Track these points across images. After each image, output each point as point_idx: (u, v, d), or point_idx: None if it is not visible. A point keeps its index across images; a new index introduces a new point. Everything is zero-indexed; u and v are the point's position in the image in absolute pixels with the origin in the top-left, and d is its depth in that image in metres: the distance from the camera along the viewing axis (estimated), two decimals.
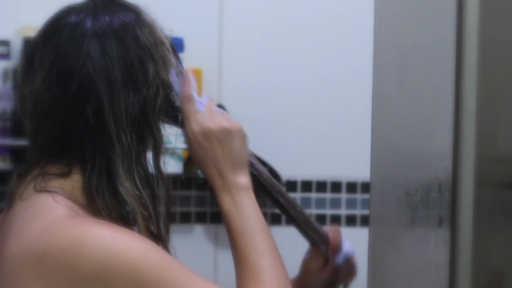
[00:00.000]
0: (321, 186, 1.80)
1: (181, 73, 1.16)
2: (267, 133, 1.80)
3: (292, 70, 1.80)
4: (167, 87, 1.12)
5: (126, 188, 1.06)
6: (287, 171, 1.79)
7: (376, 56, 1.19)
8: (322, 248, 1.27)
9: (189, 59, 1.73)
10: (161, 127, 1.12)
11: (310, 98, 1.81)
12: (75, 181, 1.07)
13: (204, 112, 1.16)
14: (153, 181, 1.10)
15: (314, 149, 1.81)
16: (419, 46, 1.00)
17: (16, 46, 1.63)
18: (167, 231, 1.14)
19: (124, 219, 1.09)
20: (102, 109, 1.05)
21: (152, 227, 1.11)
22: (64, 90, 1.06)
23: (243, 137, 1.19)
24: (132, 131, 1.07)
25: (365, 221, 1.83)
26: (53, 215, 1.01)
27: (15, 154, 1.65)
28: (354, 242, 1.75)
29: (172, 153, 1.72)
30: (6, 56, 1.63)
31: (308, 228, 1.24)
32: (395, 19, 1.10)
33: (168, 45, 1.14)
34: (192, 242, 1.75)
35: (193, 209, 1.79)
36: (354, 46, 1.81)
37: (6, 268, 1.00)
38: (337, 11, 1.81)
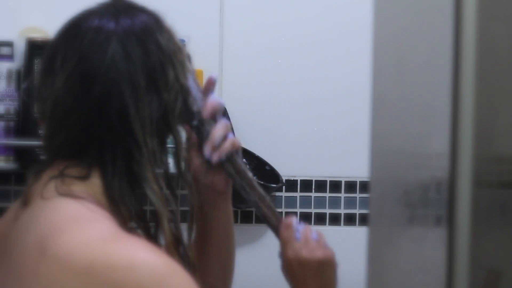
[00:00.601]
0: (320, 185, 1.81)
1: (196, 81, 1.19)
2: (267, 133, 1.81)
3: (292, 71, 1.81)
4: (186, 92, 1.15)
5: (154, 190, 1.09)
6: (287, 171, 1.80)
7: (374, 57, 1.20)
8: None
9: None
10: (179, 131, 1.15)
11: (309, 98, 1.82)
12: (95, 185, 1.08)
13: (300, 240, 1.24)
14: (175, 183, 1.13)
15: (313, 149, 1.82)
16: (417, 47, 1.01)
17: (20, 48, 1.64)
18: (191, 231, 1.19)
19: (145, 221, 1.11)
20: (128, 113, 1.07)
21: (177, 233, 1.13)
22: (86, 93, 1.07)
23: (334, 267, 1.26)
24: (155, 134, 1.09)
25: (364, 220, 1.84)
26: (98, 227, 1.03)
27: (19, 154, 1.65)
28: (353, 241, 1.76)
29: (173, 152, 1.72)
30: (9, 57, 1.64)
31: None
32: (393, 21, 1.11)
33: (185, 51, 1.17)
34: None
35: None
36: (353, 47, 1.81)
37: (46, 268, 1.01)
38: (336, 13, 1.82)
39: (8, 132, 1.69)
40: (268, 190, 1.80)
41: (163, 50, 1.12)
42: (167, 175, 1.13)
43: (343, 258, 1.61)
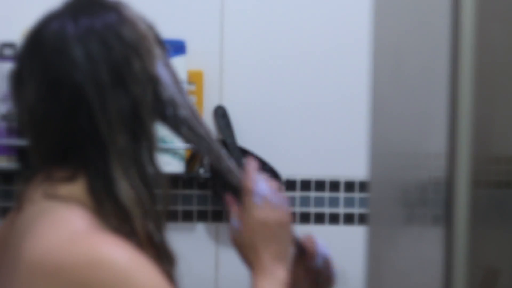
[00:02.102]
0: (319, 185, 1.80)
1: (169, 64, 1.16)
2: (267, 133, 1.81)
3: (292, 71, 1.81)
4: (155, 81, 1.11)
5: (121, 189, 1.06)
6: (286, 170, 1.80)
7: (373, 58, 1.20)
8: (297, 253, 1.31)
9: (190, 60, 1.73)
10: (155, 124, 1.12)
11: (309, 98, 1.82)
12: (80, 186, 1.07)
13: (262, 204, 1.24)
14: (152, 180, 1.10)
15: (313, 149, 1.82)
16: (415, 48, 1.02)
17: None
18: (162, 230, 1.14)
19: (122, 223, 1.10)
20: (94, 114, 1.05)
21: (150, 229, 1.10)
22: (56, 100, 1.06)
23: (290, 230, 1.26)
24: (127, 131, 1.07)
25: (362, 219, 1.84)
26: (70, 228, 1.02)
27: (21, 154, 1.65)
28: (352, 240, 1.76)
29: (174, 153, 1.73)
30: (11, 58, 1.63)
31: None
32: (392, 21, 1.11)
33: (151, 37, 1.13)
34: (193, 240, 1.76)
35: (194, 207, 1.79)
36: (352, 48, 1.82)
37: (21, 273, 1.01)
38: (336, 13, 1.82)
39: (11, 132, 1.69)
40: None
41: (126, 43, 1.08)
42: (144, 172, 1.10)
43: (342, 257, 1.61)
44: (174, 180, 1.81)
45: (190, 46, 1.75)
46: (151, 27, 1.15)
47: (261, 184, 1.28)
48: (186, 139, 1.22)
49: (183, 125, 1.19)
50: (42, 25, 1.10)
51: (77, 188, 1.08)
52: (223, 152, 1.28)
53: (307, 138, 1.85)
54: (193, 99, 1.79)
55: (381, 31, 1.18)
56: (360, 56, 1.73)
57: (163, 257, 1.11)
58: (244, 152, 1.82)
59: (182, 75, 1.75)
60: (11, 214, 1.16)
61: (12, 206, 1.16)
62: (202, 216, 1.79)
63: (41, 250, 1.01)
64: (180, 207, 1.81)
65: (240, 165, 1.55)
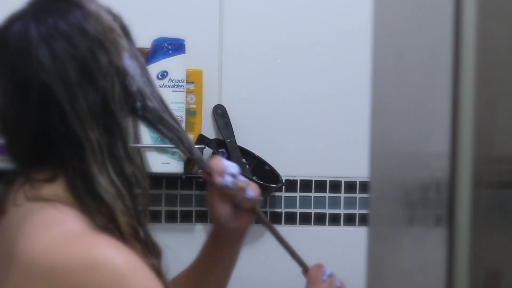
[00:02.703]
0: (320, 185, 1.81)
1: (136, 55, 1.15)
2: (267, 133, 1.81)
3: (292, 71, 1.81)
4: (122, 73, 1.11)
5: (101, 185, 1.06)
6: (287, 171, 1.80)
7: (374, 57, 1.20)
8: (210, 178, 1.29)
9: (189, 59, 1.73)
10: (125, 116, 1.11)
11: (309, 98, 1.82)
12: (62, 185, 1.07)
13: (326, 282, 1.34)
14: (129, 174, 1.10)
15: (313, 149, 1.82)
16: (416, 47, 1.01)
17: None
18: (144, 223, 1.14)
19: (106, 219, 1.09)
20: (65, 113, 1.05)
21: (133, 223, 1.10)
22: (26, 102, 1.06)
23: None
24: (99, 126, 1.07)
25: (363, 220, 1.84)
26: (63, 229, 1.02)
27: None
28: (353, 241, 1.76)
29: (173, 152, 1.72)
30: None
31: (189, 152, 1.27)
32: (393, 21, 1.11)
33: (118, 29, 1.12)
34: (193, 240, 1.76)
35: (193, 208, 1.79)
36: (353, 47, 1.81)
37: (15, 275, 1.01)
38: (336, 13, 1.82)
39: None
40: (268, 190, 1.79)
41: (90, 37, 1.09)
42: (121, 167, 1.10)
43: (343, 258, 1.61)
44: (173, 180, 1.81)
45: (189, 45, 1.75)
46: (117, 18, 1.14)
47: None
48: (157, 131, 1.20)
49: (152, 116, 1.18)
50: (5, 27, 1.10)
51: (58, 188, 1.07)
52: (193, 143, 1.28)
53: (307, 138, 1.85)
54: (192, 98, 1.78)
55: (382, 30, 1.17)
56: (360, 56, 1.73)
57: (150, 251, 1.11)
58: (244, 152, 1.82)
59: (181, 74, 1.75)
60: None
61: None
62: (201, 217, 1.79)
63: (34, 250, 1.01)
64: (179, 208, 1.81)
65: (241, 164, 1.55)
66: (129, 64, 1.13)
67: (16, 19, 1.10)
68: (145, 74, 1.17)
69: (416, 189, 1.02)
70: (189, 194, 1.82)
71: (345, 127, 1.86)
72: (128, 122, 1.13)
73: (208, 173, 1.30)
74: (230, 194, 1.31)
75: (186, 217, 1.82)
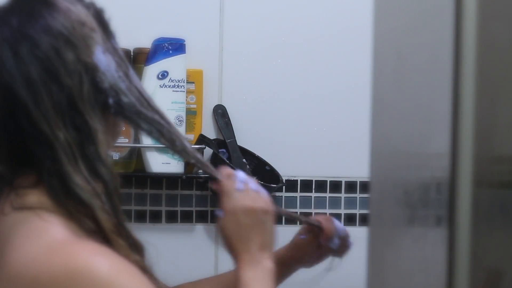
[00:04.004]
0: (320, 185, 1.80)
1: (113, 49, 1.12)
2: (267, 133, 1.81)
3: (292, 71, 1.81)
4: (91, 69, 1.08)
5: (77, 183, 1.04)
6: (287, 171, 1.80)
7: (374, 57, 1.20)
8: (314, 233, 1.31)
9: (190, 59, 1.73)
10: (95, 114, 1.08)
11: (309, 98, 1.82)
12: (43, 191, 1.06)
13: (243, 190, 1.20)
14: (103, 171, 1.08)
15: (314, 149, 1.82)
16: (417, 47, 1.01)
17: None
18: (123, 220, 1.11)
19: (86, 219, 1.07)
20: (30, 113, 1.03)
21: (113, 220, 1.08)
22: None
23: (273, 217, 1.24)
24: (67, 124, 1.05)
25: (364, 220, 1.84)
26: (46, 239, 1.01)
27: None
28: (353, 241, 1.75)
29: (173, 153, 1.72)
30: None
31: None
32: (393, 20, 1.10)
33: (90, 23, 1.09)
34: (193, 241, 1.76)
35: (194, 208, 1.79)
36: (353, 47, 1.81)
37: (1, 287, 0.99)
38: (336, 13, 1.82)
39: None
40: (268, 190, 1.79)
41: (55, 34, 1.06)
42: (94, 164, 1.07)
43: (344, 258, 1.60)
44: (173, 180, 1.81)
45: (189, 45, 1.75)
46: (97, 12, 1.11)
47: (239, 172, 1.27)
48: (135, 126, 1.17)
49: (129, 112, 1.14)
50: None
51: (41, 193, 1.06)
52: (179, 134, 1.23)
53: (307, 138, 1.85)
54: (193, 98, 1.78)
55: (382, 30, 1.17)
56: (361, 56, 1.72)
57: (132, 248, 1.09)
58: (244, 152, 1.82)
59: (182, 74, 1.75)
60: None
61: None
62: (202, 217, 1.79)
63: (18, 263, 1.00)
64: (179, 208, 1.80)
65: (241, 164, 1.55)
66: (101, 59, 1.10)
67: None
68: (122, 68, 1.13)
69: (417, 189, 1.02)
70: (189, 194, 1.82)
71: (346, 127, 1.86)
72: (99, 120, 1.09)
73: (318, 227, 1.36)
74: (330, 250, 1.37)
75: (187, 217, 1.82)
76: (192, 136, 1.78)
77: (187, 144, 1.23)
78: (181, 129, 1.72)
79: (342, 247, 1.38)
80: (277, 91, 1.84)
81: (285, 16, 1.84)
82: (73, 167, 1.05)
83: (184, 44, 1.76)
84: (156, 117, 1.17)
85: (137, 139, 1.69)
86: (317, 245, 1.38)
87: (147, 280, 1.03)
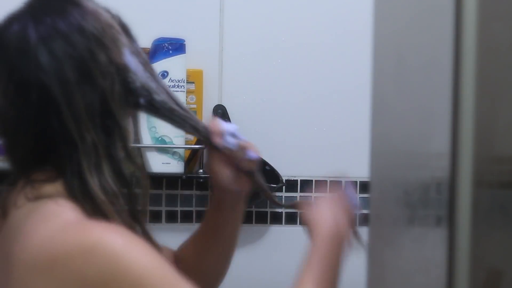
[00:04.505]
0: (320, 185, 1.80)
1: (137, 50, 1.14)
2: (267, 133, 1.81)
3: (292, 71, 1.81)
4: (123, 70, 1.10)
5: (93, 186, 1.06)
6: (287, 171, 1.80)
7: (374, 57, 1.20)
8: (210, 141, 1.27)
9: (190, 59, 1.73)
10: (128, 116, 1.11)
11: (309, 98, 1.82)
12: (61, 185, 1.07)
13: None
14: (128, 174, 1.10)
15: (314, 149, 1.82)
16: (417, 47, 1.01)
17: None
18: (143, 223, 1.13)
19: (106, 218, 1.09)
20: (62, 113, 1.04)
21: (130, 223, 1.10)
22: (25, 103, 1.05)
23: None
24: (97, 126, 1.06)
25: (364, 220, 1.83)
26: (61, 220, 1.02)
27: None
28: (353, 241, 1.75)
29: (173, 153, 1.72)
30: None
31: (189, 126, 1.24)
32: (393, 21, 1.11)
33: (116, 26, 1.11)
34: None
35: (194, 208, 1.79)
36: (353, 47, 1.81)
37: (16, 274, 1.00)
38: (336, 13, 1.82)
39: None
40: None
41: (89, 35, 1.08)
42: (119, 167, 1.10)
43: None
44: (173, 180, 1.81)
45: (189, 45, 1.75)
46: (115, 17, 1.13)
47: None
48: (170, 122, 1.20)
49: (163, 109, 1.17)
50: (3, 27, 1.09)
51: (59, 186, 1.07)
52: (207, 126, 1.26)
53: (307, 138, 1.85)
54: (193, 98, 1.78)
55: (382, 30, 1.17)
56: (361, 56, 1.72)
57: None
58: None
59: (182, 74, 1.75)
60: None
61: None
62: (202, 217, 1.78)
63: (33, 245, 1.00)
64: (179, 208, 1.80)
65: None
66: (131, 60, 1.12)
67: (14, 19, 1.10)
68: (149, 69, 1.16)
69: (417, 189, 1.02)
70: (189, 194, 1.82)
71: (346, 127, 1.86)
72: (129, 121, 1.13)
73: (207, 138, 1.27)
74: (230, 155, 1.29)
75: (187, 217, 1.82)
76: (192, 136, 1.78)
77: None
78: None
79: (241, 149, 1.31)
80: (277, 91, 1.84)
81: (285, 16, 1.84)
82: (92, 170, 1.07)
83: (184, 44, 1.76)
84: (186, 113, 1.21)
85: (136, 140, 1.69)
86: (218, 158, 1.32)
87: (159, 255, 1.03)
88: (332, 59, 1.84)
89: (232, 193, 1.32)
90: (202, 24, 1.81)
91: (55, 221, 1.03)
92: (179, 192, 1.81)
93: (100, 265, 0.98)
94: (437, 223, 0.92)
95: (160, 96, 1.16)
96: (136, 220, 1.13)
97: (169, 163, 1.73)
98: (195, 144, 1.75)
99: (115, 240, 1.00)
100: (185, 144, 1.74)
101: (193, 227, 1.83)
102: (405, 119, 1.06)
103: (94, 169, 1.07)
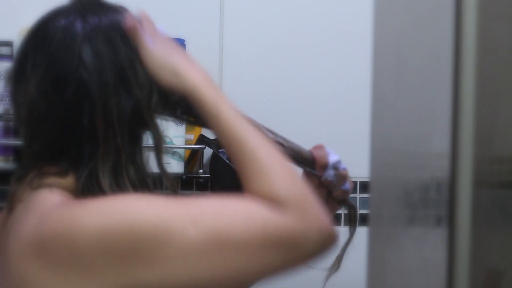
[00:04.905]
0: None
1: None
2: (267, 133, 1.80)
3: (292, 71, 1.81)
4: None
5: (104, 186, 1.07)
6: None
7: (374, 57, 1.20)
8: (311, 169, 1.28)
9: None
10: (160, 125, 1.13)
11: (310, 98, 1.82)
12: (71, 180, 1.08)
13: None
14: (150, 181, 1.11)
15: None
16: (417, 47, 1.01)
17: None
18: None
19: None
20: (94, 112, 1.05)
21: None
22: (60, 96, 1.06)
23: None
24: (124, 133, 1.07)
25: (364, 220, 1.83)
26: (47, 204, 1.02)
27: (18, 154, 1.65)
28: (353, 241, 1.76)
29: (173, 153, 1.72)
30: (9, 57, 1.64)
31: (296, 156, 1.28)
32: (393, 21, 1.10)
33: None
34: None
35: None
36: (353, 47, 1.81)
37: (12, 265, 1.01)
38: (336, 13, 1.82)
39: (7, 132, 1.69)
40: None
41: (131, 45, 1.10)
42: (140, 173, 1.11)
43: (343, 259, 1.60)
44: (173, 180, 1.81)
45: (189, 45, 1.75)
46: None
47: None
48: (214, 131, 1.18)
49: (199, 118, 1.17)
50: (48, 20, 1.10)
51: (67, 180, 1.07)
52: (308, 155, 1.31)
53: (307, 138, 1.85)
54: None
55: (382, 30, 1.17)
56: (361, 56, 1.72)
57: None
58: None
59: None
60: (1, 216, 1.15)
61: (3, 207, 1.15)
62: None
63: (25, 233, 1.01)
64: None
65: None
66: None
67: (59, 14, 1.11)
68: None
69: (417, 189, 1.02)
70: (189, 194, 1.82)
71: (346, 127, 1.86)
72: (162, 133, 1.13)
73: (311, 158, 1.30)
74: (327, 184, 1.31)
75: None
76: (192, 136, 1.78)
77: None
78: (181, 129, 1.72)
79: (339, 177, 1.33)
80: (277, 91, 1.84)
81: (285, 16, 1.84)
82: (106, 172, 1.08)
83: (184, 44, 1.76)
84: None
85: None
86: (317, 183, 1.34)
87: (143, 196, 1.04)
88: (332, 59, 1.84)
89: None
90: (202, 24, 1.81)
91: (42, 207, 1.04)
92: (179, 192, 1.82)
93: (84, 225, 0.98)
94: (437, 223, 0.92)
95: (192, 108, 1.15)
96: None
97: (169, 163, 1.73)
98: (195, 144, 1.75)
99: (93, 202, 1.01)
100: (185, 144, 1.74)
101: None
102: (405, 119, 1.06)
103: (108, 171, 1.08)
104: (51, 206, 1.03)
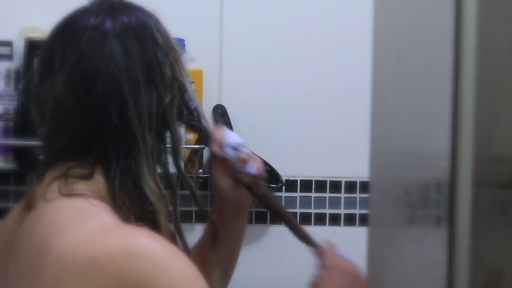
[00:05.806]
0: (320, 185, 1.80)
1: (188, 76, 1.20)
2: (267, 133, 1.81)
3: (292, 71, 1.81)
4: (182, 89, 1.15)
5: (151, 186, 1.08)
6: (287, 171, 1.80)
7: (374, 57, 1.20)
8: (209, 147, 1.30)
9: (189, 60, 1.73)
10: (178, 127, 1.16)
11: (309, 98, 1.82)
12: (98, 182, 1.08)
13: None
14: (173, 180, 1.14)
15: (313, 149, 1.82)
16: (416, 47, 1.01)
17: (19, 47, 1.64)
18: (181, 230, 1.18)
19: (145, 219, 1.10)
20: (127, 109, 1.06)
21: (171, 226, 1.13)
22: (88, 92, 1.06)
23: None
24: (154, 130, 1.09)
25: (364, 220, 1.84)
26: (99, 220, 1.02)
27: (18, 154, 1.65)
28: (353, 241, 1.76)
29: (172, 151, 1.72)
30: (8, 57, 1.64)
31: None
32: (393, 20, 1.10)
33: (179, 49, 1.17)
34: (193, 240, 1.76)
35: (193, 208, 1.79)
36: (353, 47, 1.81)
37: (49, 268, 1.00)
38: (336, 12, 1.82)
39: (7, 132, 1.69)
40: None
41: (159, 46, 1.12)
42: (167, 172, 1.13)
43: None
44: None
45: (189, 45, 1.75)
46: (177, 43, 1.18)
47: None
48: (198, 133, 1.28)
49: (206, 134, 1.26)
50: (76, 17, 1.11)
51: (95, 184, 1.08)
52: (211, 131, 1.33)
53: (307, 138, 1.85)
54: None
55: (382, 30, 1.17)
56: (361, 56, 1.72)
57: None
58: None
59: None
60: (14, 214, 1.15)
61: (17, 205, 1.15)
62: (202, 217, 1.79)
63: (70, 243, 1.00)
64: (179, 208, 1.80)
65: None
66: (188, 82, 1.17)
67: (89, 12, 1.12)
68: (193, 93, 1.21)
69: (417, 189, 1.02)
70: (189, 194, 1.82)
71: (345, 127, 1.86)
72: (180, 133, 1.17)
73: (207, 142, 1.32)
74: (228, 165, 1.31)
75: (186, 217, 1.82)
76: (191, 136, 1.78)
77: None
78: (181, 130, 1.72)
79: (239, 162, 1.32)
80: (277, 91, 1.84)
81: (285, 16, 1.84)
82: (150, 170, 1.10)
83: (184, 44, 1.76)
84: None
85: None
86: (219, 167, 1.34)
87: (195, 267, 1.05)
88: (332, 59, 1.84)
89: (231, 203, 1.33)
90: (202, 24, 1.81)
91: (93, 221, 1.03)
92: (178, 192, 1.81)
93: (142, 269, 0.98)
94: (437, 223, 0.92)
95: (206, 123, 1.24)
96: (177, 225, 1.14)
97: (169, 163, 1.73)
98: (195, 144, 1.75)
99: (157, 246, 1.01)
100: (185, 144, 1.74)
101: (193, 227, 1.83)
102: (405, 119, 1.06)
103: (149, 169, 1.10)
104: (107, 225, 1.03)
